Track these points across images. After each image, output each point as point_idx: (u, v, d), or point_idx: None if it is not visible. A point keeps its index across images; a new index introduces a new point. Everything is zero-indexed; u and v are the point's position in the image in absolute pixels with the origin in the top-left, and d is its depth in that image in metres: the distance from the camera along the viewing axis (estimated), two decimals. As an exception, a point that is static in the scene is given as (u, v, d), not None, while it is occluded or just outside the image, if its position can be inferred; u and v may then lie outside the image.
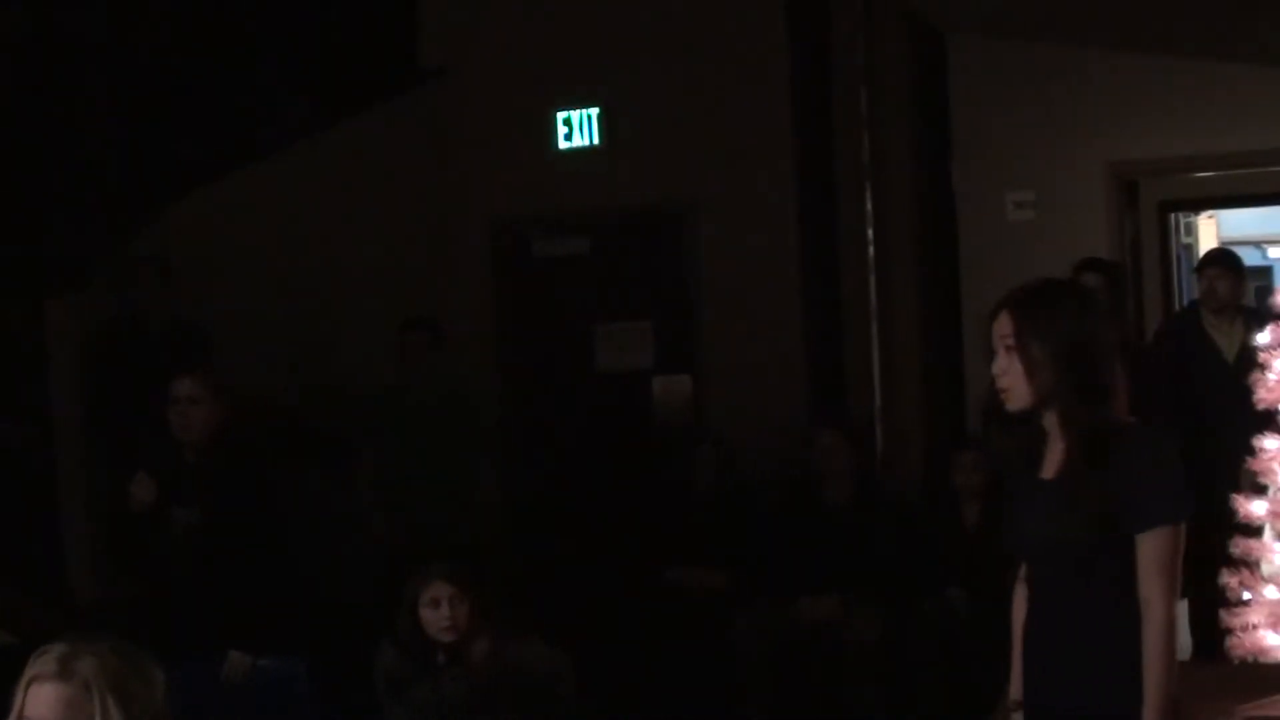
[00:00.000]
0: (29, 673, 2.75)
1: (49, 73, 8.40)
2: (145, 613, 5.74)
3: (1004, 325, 3.62)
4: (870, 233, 8.06)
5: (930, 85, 8.44)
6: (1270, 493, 5.03)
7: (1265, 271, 13.80)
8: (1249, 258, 7.64)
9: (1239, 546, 4.92)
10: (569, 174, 8.28)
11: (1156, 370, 6.96)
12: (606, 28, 8.22)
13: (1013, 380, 3.56)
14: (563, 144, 8.32)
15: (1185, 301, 9.13)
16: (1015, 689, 3.68)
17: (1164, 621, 3.42)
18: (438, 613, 5.05)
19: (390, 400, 7.53)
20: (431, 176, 8.47)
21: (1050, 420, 3.56)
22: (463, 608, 5.05)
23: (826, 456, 7.18)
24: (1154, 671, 3.41)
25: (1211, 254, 7.58)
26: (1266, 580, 4.81)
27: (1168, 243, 9.31)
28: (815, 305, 8.09)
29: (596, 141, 8.28)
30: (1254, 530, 4.95)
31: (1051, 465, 3.58)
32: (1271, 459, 5.06)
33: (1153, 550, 3.44)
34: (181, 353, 7.03)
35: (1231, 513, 4.96)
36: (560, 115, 8.30)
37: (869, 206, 8.06)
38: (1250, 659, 4.64)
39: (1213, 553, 4.90)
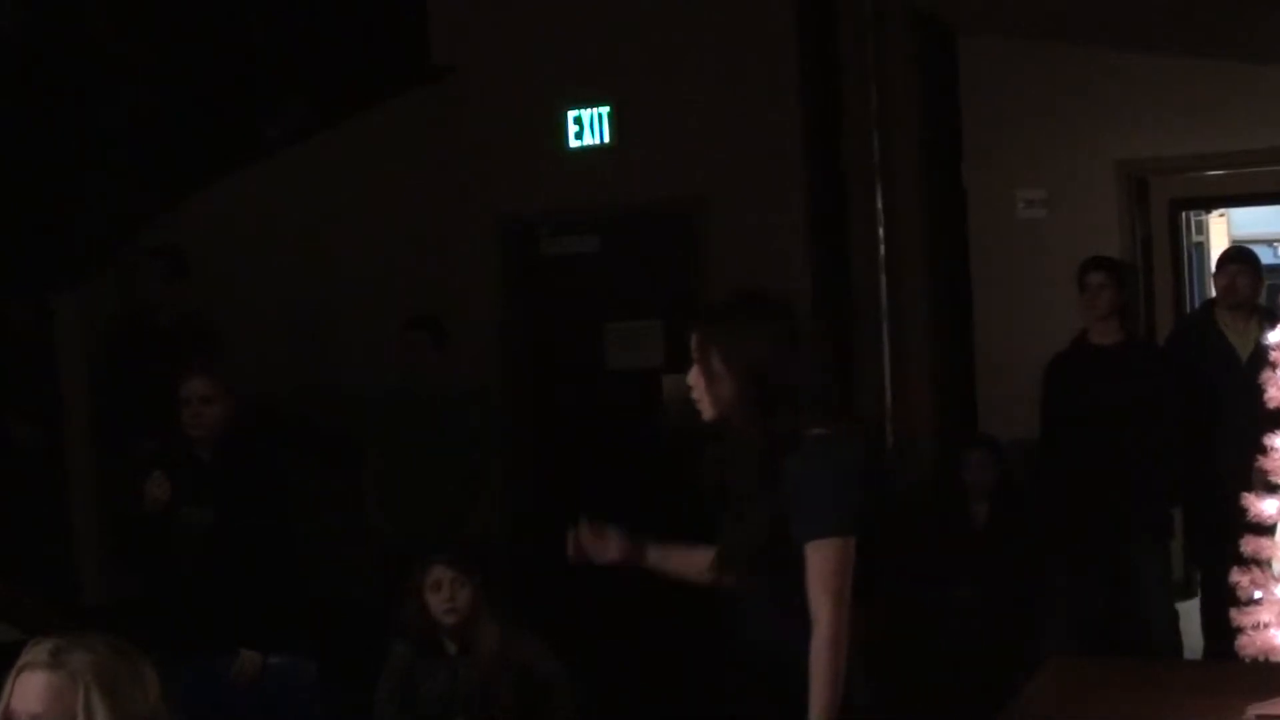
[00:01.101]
0: (21, 661, 2.77)
1: (58, 69, 8.41)
2: (155, 612, 5.74)
3: (693, 340, 3.72)
4: (880, 231, 8.05)
5: (940, 84, 8.42)
6: (1282, 491, 5.01)
7: (1277, 270, 13.77)
8: (1260, 256, 7.62)
9: (1249, 545, 4.90)
10: (579, 172, 8.27)
11: (1172, 369, 6.95)
12: (617, 26, 8.21)
13: (699, 393, 3.68)
14: (573, 142, 8.31)
15: (1196, 300, 9.11)
16: None
17: (829, 634, 3.46)
18: (439, 596, 5.06)
19: (394, 399, 7.51)
20: (441, 174, 8.47)
21: (736, 429, 3.66)
22: (464, 591, 5.07)
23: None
24: (818, 683, 3.46)
25: (1231, 251, 7.57)
26: (1277, 579, 4.79)
27: (1179, 241, 9.29)
28: (825, 304, 8.08)
29: (607, 140, 8.27)
30: (1265, 529, 4.93)
31: None
32: (1283, 457, 5.03)
33: (818, 562, 3.48)
34: (191, 349, 7.03)
35: (1242, 511, 4.95)
36: (571, 114, 8.29)
37: (879, 204, 8.05)
38: (1261, 658, 4.63)
39: (1224, 552, 4.89)
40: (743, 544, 3.60)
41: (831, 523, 3.50)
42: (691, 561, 3.91)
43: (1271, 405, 5.31)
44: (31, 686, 2.73)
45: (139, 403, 7.05)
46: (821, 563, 3.49)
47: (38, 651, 2.76)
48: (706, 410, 3.69)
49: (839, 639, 3.46)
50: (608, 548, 3.97)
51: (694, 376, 3.71)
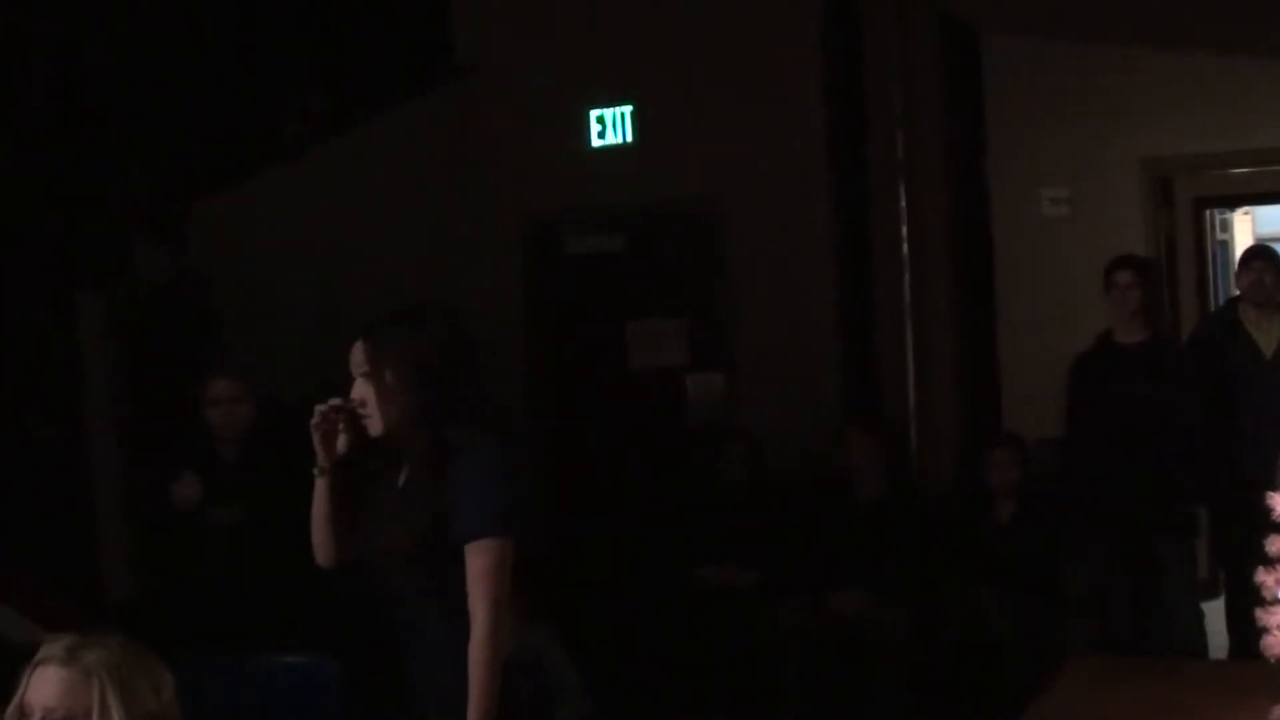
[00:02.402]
0: (37, 657, 2.80)
1: (78, 68, 8.43)
2: (179, 610, 5.75)
3: (358, 354, 3.73)
4: (904, 230, 8.03)
5: (964, 82, 8.40)
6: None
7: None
8: (1285, 254, 7.60)
9: (1275, 545, 4.89)
10: (602, 171, 8.27)
11: (1196, 368, 6.94)
12: (639, 25, 8.21)
13: (372, 408, 3.69)
14: (595, 141, 8.32)
15: (1220, 298, 9.08)
16: None
17: (485, 634, 3.54)
18: None
19: None
20: (463, 173, 8.48)
21: (407, 441, 3.69)
22: None
23: (857, 453, 7.19)
24: (475, 683, 3.53)
25: (1256, 248, 7.54)
26: (1302, 578, 4.77)
27: (1203, 239, 9.25)
28: (849, 303, 8.07)
29: (629, 139, 8.28)
30: (1290, 528, 4.91)
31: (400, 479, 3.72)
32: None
33: (475, 562, 3.56)
34: (203, 338, 7.06)
35: (1268, 510, 4.93)
36: (593, 113, 8.29)
37: (903, 204, 8.03)
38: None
39: (1250, 551, 4.87)
40: (402, 541, 3.66)
41: (490, 524, 3.57)
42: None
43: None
44: (47, 682, 2.76)
45: (160, 402, 7.06)
46: (479, 562, 3.56)
47: (54, 648, 2.80)
48: (375, 425, 3.71)
49: (495, 638, 3.54)
50: None
51: (363, 391, 3.72)
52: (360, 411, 3.72)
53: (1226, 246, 10.26)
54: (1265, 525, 4.76)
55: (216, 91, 8.76)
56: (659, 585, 7.29)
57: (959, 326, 8.26)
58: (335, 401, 3.75)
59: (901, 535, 7.02)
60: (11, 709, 2.76)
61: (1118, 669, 4.80)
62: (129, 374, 7.74)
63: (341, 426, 3.77)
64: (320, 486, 3.82)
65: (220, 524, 5.59)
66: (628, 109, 8.25)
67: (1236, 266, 7.53)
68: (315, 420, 3.76)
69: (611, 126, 8.29)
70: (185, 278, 7.92)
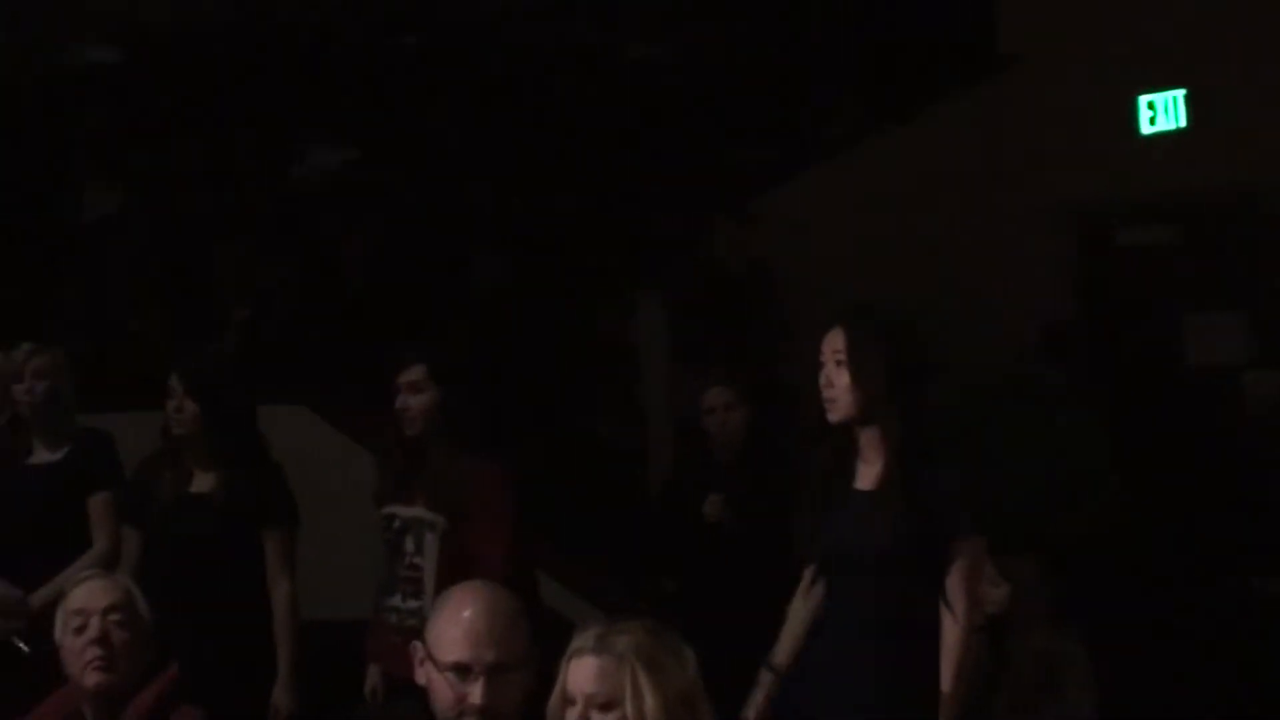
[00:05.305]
0: (570, 648, 2.93)
1: (630, 82, 8.73)
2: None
3: (836, 340, 3.78)
4: None
5: None
6: None
7: None
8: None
9: None
10: (1154, 159, 7.98)
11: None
12: (1190, 6, 7.88)
13: (838, 393, 3.75)
14: (1147, 128, 8.04)
15: None
16: (780, 656, 3.97)
17: (966, 625, 3.72)
18: None
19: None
20: (1012, 165, 8.35)
21: (869, 434, 3.78)
22: None
23: None
24: (948, 663, 3.71)
25: None
26: None
27: None
28: None
29: (1183, 124, 7.96)
30: None
31: (867, 477, 3.80)
32: None
33: (962, 559, 3.74)
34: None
35: None
36: (1144, 98, 8.02)
37: None
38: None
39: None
40: (875, 544, 3.80)
41: (977, 521, 3.86)
42: None
43: None
44: (583, 671, 2.90)
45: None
46: (966, 560, 3.81)
47: (585, 638, 2.93)
48: (840, 410, 3.81)
49: (972, 631, 3.84)
50: None
51: (832, 377, 3.81)
52: (827, 394, 3.80)
53: None
54: None
55: (767, 92, 8.91)
56: (1209, 591, 6.97)
57: None
58: None
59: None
60: (555, 697, 2.92)
61: None
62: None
63: None
64: None
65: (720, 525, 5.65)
66: (1180, 93, 7.92)
67: None
68: None
69: (1163, 111, 7.99)
70: (754, 271, 8.06)
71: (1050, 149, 8.24)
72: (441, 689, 2.98)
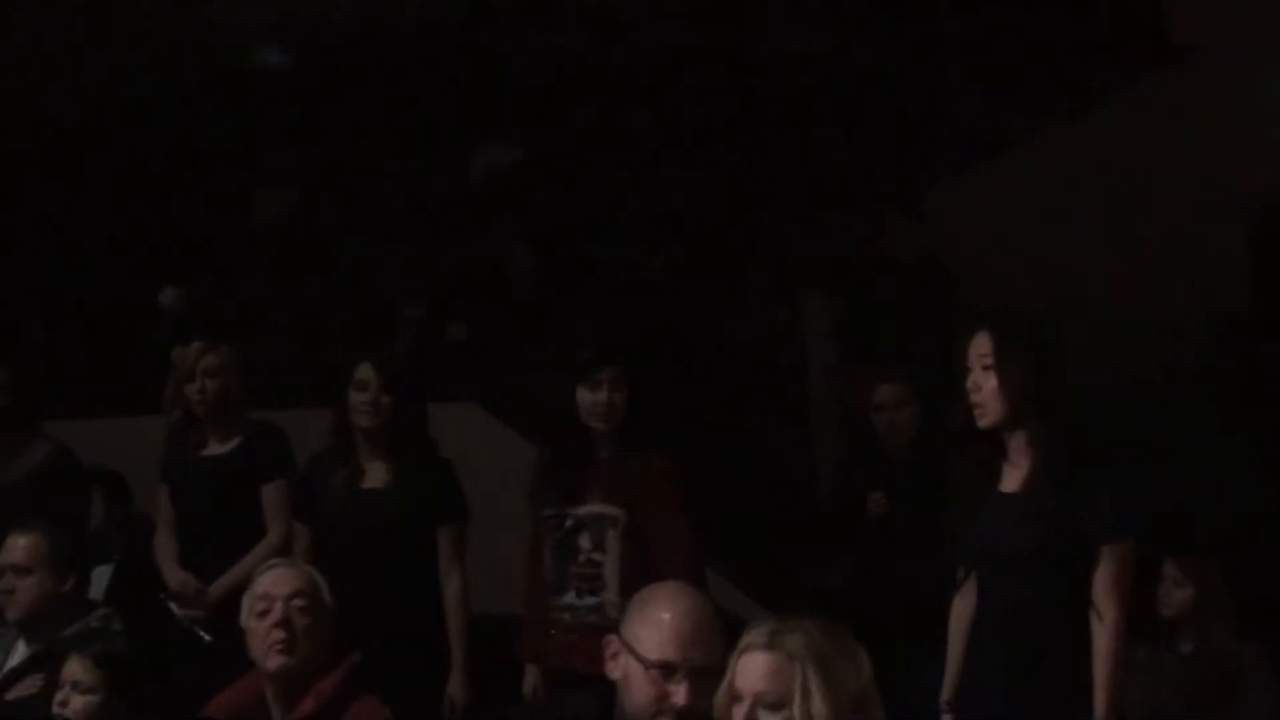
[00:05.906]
0: (741, 644, 2.90)
1: (784, 85, 8.68)
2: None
3: (982, 344, 3.77)
4: None
5: None
6: None
7: None
8: None
9: None
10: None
11: None
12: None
13: (987, 397, 3.74)
14: (1321, 117, 7.85)
15: None
16: (948, 690, 3.94)
17: (1115, 630, 3.68)
18: None
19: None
20: (1185, 157, 8.19)
21: (1017, 437, 3.79)
22: None
23: None
24: (1101, 675, 3.67)
25: None
26: None
27: None
28: None
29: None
30: None
31: (1013, 480, 3.80)
32: None
33: (1111, 563, 3.71)
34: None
35: None
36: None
37: None
38: None
39: None
40: (1025, 546, 3.83)
41: (1126, 523, 3.81)
42: None
43: None
44: (753, 667, 2.86)
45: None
46: (1115, 565, 3.77)
47: (757, 634, 2.89)
48: (989, 415, 3.82)
49: (1121, 637, 3.77)
50: None
51: (979, 380, 3.81)
52: (975, 398, 3.80)
53: None
54: None
55: (938, 91, 8.83)
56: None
57: None
58: None
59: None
60: (722, 692, 2.89)
61: None
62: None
63: None
64: None
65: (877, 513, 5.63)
66: (1357, 81, 7.72)
67: None
68: None
69: (1341, 102, 7.79)
70: (926, 266, 7.99)
71: (1223, 141, 8.07)
72: (641, 685, 3.00)
